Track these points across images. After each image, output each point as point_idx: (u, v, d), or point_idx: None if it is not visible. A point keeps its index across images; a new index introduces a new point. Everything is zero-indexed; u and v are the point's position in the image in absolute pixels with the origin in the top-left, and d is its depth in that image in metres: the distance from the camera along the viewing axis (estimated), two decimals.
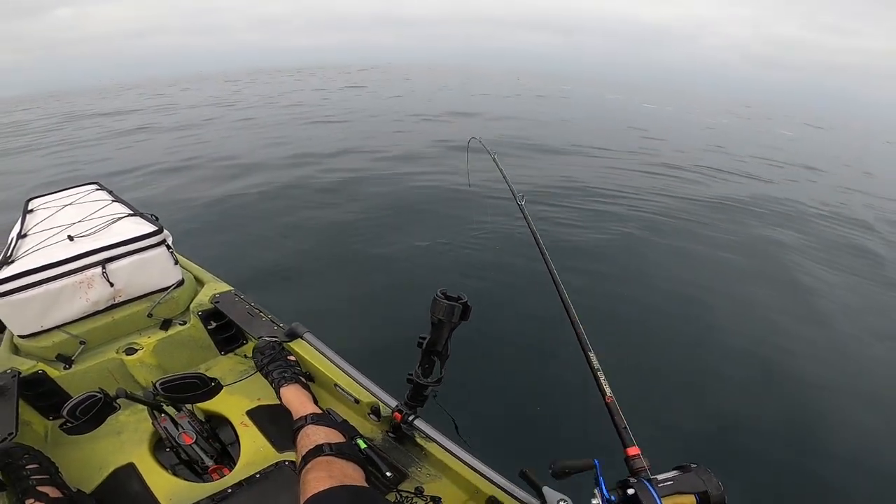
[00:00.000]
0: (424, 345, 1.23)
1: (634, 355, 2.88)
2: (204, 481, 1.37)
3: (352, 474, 1.02)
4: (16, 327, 1.69)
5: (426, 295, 1.16)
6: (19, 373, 1.62)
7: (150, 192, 6.12)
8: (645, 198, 6.27)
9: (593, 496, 0.76)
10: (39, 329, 1.70)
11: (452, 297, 1.14)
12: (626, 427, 0.86)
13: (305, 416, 1.25)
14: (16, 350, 1.76)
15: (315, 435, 1.16)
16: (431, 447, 1.38)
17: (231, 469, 1.39)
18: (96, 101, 24.40)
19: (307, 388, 1.53)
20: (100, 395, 1.28)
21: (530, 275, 3.47)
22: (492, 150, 2.05)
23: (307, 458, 1.06)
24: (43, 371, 1.66)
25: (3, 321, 1.69)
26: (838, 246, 5.43)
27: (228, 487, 1.31)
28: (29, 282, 1.61)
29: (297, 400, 1.42)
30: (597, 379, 0.93)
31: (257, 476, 1.35)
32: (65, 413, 1.25)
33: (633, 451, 0.82)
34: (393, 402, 1.46)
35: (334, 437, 1.17)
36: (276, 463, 1.40)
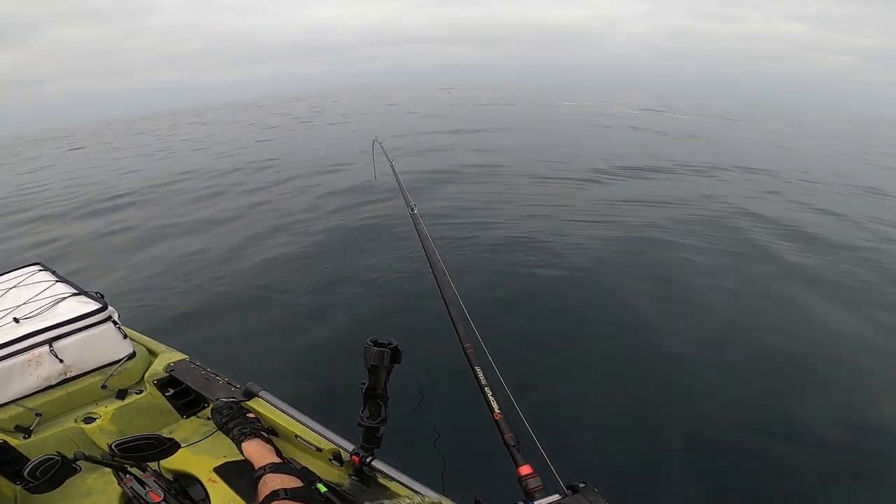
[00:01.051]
0: (365, 390, 1.27)
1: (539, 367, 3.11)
2: None
3: None
4: None
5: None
6: None
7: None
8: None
9: None
10: None
11: (383, 342, 1.20)
12: (516, 445, 0.85)
13: (265, 466, 1.34)
14: None
15: (272, 482, 1.24)
16: (394, 486, 1.40)
17: None
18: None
19: (269, 441, 1.63)
20: (56, 458, 1.36)
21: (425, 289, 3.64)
22: (391, 156, 2.12)
23: (263, 503, 1.16)
24: (4, 441, 1.72)
25: None
26: None
27: None
28: None
29: (257, 453, 1.49)
30: (485, 395, 0.93)
31: None
32: (25, 474, 1.32)
33: (526, 469, 0.82)
34: (351, 446, 1.49)
35: (291, 482, 1.25)
36: None
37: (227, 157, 13.11)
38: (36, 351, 1.81)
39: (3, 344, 1.76)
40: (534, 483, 0.81)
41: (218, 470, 1.65)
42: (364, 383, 1.27)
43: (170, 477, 1.61)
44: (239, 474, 1.62)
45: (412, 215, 1.67)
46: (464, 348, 1.05)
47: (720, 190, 8.39)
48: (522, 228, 5.80)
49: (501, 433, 0.87)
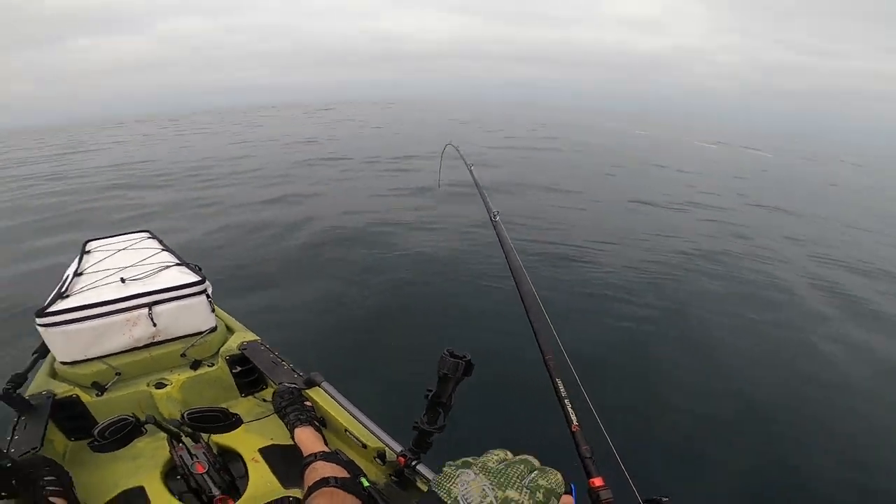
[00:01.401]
0: (430, 396, 1.30)
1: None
2: None
3: None
4: (60, 354, 1.89)
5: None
6: (54, 395, 1.81)
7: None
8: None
9: None
10: (82, 358, 1.90)
11: (458, 355, 1.22)
12: (591, 457, 0.83)
13: (315, 454, 1.37)
14: (54, 374, 1.95)
15: (322, 469, 1.27)
16: None
17: (236, 501, 1.50)
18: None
19: (320, 431, 1.67)
20: (131, 419, 1.43)
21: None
22: (469, 161, 2.10)
23: (313, 488, 1.18)
24: (77, 395, 1.84)
25: (50, 347, 1.89)
26: None
27: None
28: (83, 315, 1.84)
29: (308, 440, 1.56)
30: (563, 407, 0.91)
31: None
32: (95, 432, 1.39)
33: (598, 481, 0.80)
34: (399, 448, 1.54)
35: (340, 472, 1.28)
36: (280, 498, 1.50)
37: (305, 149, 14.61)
38: (136, 312, 1.92)
39: (108, 301, 1.88)
40: (605, 495, 0.79)
41: (262, 450, 1.71)
42: (430, 390, 1.29)
43: (216, 451, 1.65)
44: (281, 458, 1.67)
45: (494, 222, 1.66)
46: (544, 359, 1.05)
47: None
48: (605, 252, 6.06)
49: (577, 445, 0.85)
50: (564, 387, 0.96)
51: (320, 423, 1.76)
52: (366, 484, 1.36)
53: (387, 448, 1.61)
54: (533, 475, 0.53)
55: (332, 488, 1.17)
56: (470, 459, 0.57)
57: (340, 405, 1.77)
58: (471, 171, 2.03)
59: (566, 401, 0.94)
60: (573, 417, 0.90)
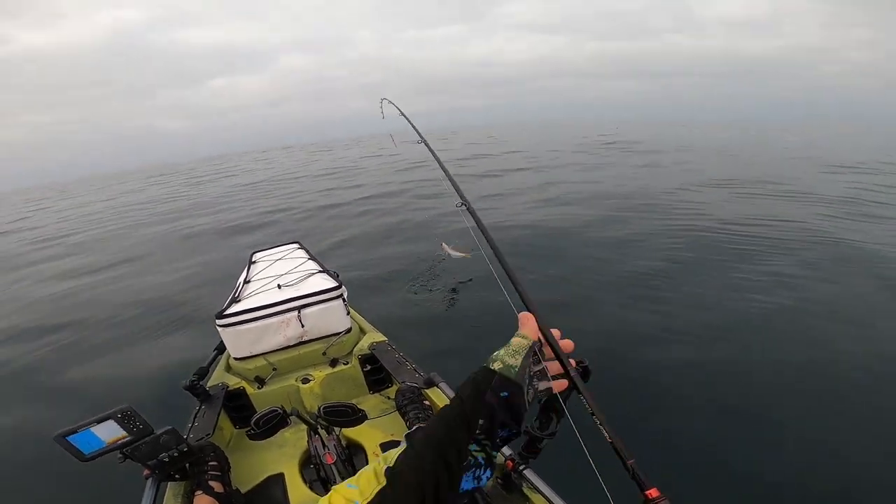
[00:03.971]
0: (545, 401, 1.34)
1: None
2: None
3: None
4: (234, 351, 2.22)
5: None
6: (227, 386, 2.12)
7: None
8: None
9: None
10: (249, 354, 2.21)
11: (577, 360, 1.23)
12: (634, 470, 0.77)
13: None
14: (228, 368, 2.30)
15: None
16: (537, 498, 1.42)
17: None
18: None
19: None
20: (280, 412, 1.59)
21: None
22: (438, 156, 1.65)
23: None
24: (243, 387, 2.13)
25: (226, 345, 2.24)
26: None
27: None
28: (250, 317, 2.13)
29: None
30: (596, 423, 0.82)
31: None
32: (252, 422, 1.56)
33: (654, 492, 0.76)
34: (508, 451, 1.53)
35: None
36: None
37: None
38: (289, 315, 2.17)
39: (268, 305, 2.15)
40: None
41: (383, 445, 1.79)
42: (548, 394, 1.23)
43: (344, 444, 1.76)
44: None
45: (461, 208, 1.42)
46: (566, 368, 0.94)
47: None
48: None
49: (622, 459, 0.79)
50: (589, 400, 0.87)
51: None
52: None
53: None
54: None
55: None
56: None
57: None
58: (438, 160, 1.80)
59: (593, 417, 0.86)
60: (604, 430, 0.83)
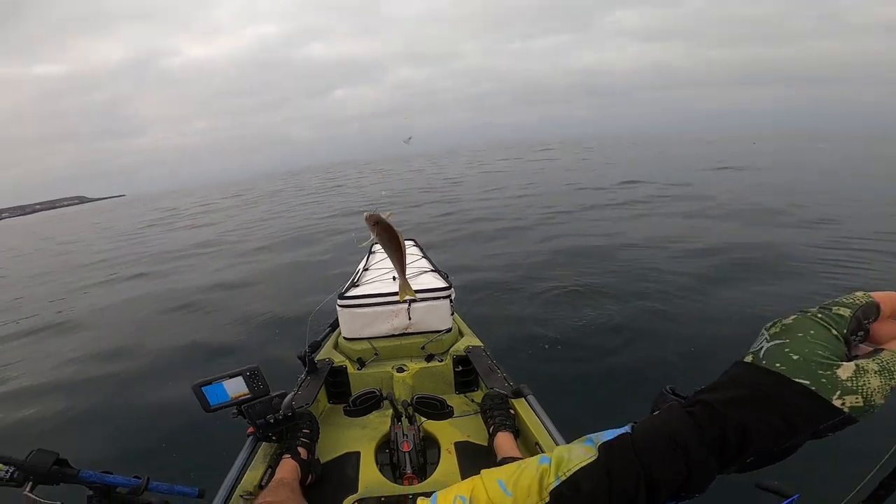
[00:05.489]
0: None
1: None
2: (396, 483, 1.63)
3: None
4: (346, 330, 2.44)
5: None
6: (332, 362, 2.33)
7: None
8: None
9: None
10: (357, 336, 2.41)
11: (679, 394, 1.18)
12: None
13: (507, 458, 1.44)
14: (336, 346, 2.53)
15: None
16: None
17: (420, 482, 1.62)
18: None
19: (515, 439, 1.75)
20: (377, 394, 1.71)
21: None
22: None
23: None
24: (346, 366, 2.32)
25: (340, 324, 2.46)
26: None
27: (409, 494, 1.54)
28: (367, 302, 2.34)
29: (506, 444, 1.68)
30: None
31: None
32: (350, 400, 1.69)
33: None
34: None
35: None
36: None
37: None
38: (399, 306, 2.34)
39: (382, 293, 2.35)
40: None
41: (457, 444, 1.83)
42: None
43: (422, 435, 1.83)
44: (471, 456, 1.76)
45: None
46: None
47: None
48: None
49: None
50: None
51: (515, 432, 1.82)
52: None
53: None
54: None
55: None
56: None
57: (539, 419, 1.80)
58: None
59: None
60: None
